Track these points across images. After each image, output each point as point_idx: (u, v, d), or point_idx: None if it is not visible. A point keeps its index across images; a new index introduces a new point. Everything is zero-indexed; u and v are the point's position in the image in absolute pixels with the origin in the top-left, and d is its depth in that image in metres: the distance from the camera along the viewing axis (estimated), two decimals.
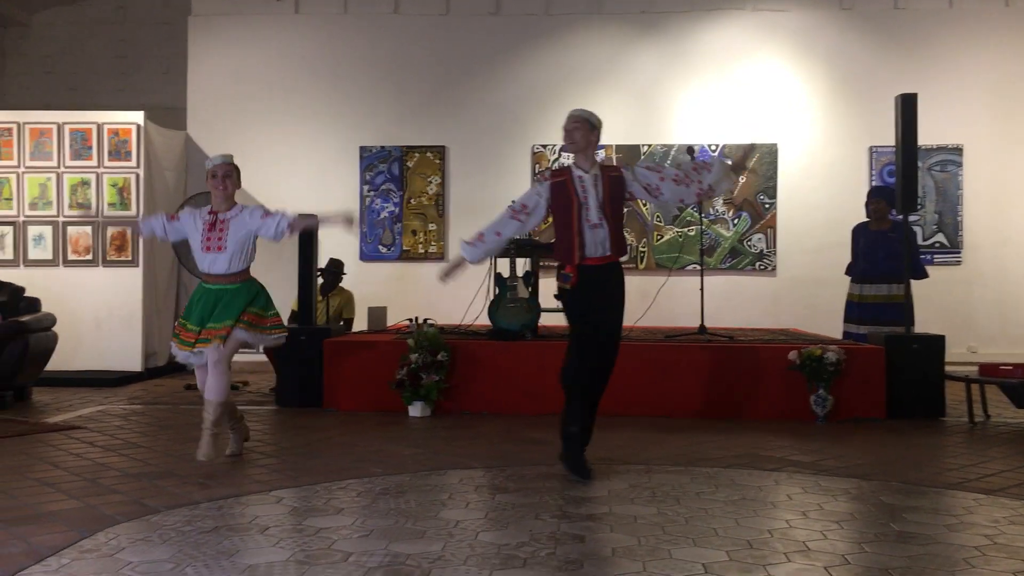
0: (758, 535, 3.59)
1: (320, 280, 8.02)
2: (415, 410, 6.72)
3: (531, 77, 10.22)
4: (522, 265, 7.42)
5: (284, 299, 9.26)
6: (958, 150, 9.78)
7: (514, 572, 3.11)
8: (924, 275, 7.60)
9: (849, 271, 7.85)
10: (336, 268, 8.38)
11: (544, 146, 10.14)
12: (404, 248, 10.30)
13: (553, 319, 7.05)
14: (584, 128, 4.73)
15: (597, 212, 4.67)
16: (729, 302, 9.65)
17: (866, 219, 7.77)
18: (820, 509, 4.04)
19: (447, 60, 10.30)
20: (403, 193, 10.31)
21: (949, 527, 3.73)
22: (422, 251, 10.30)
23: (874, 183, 9.58)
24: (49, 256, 9.16)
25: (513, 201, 4.94)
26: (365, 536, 3.54)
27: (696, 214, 8.69)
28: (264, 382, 8.55)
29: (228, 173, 5.03)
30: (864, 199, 7.91)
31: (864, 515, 3.96)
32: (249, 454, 5.26)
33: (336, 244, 9.45)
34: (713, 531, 3.65)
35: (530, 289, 7.27)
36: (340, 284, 8.41)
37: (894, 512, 3.97)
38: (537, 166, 10.15)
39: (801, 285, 9.77)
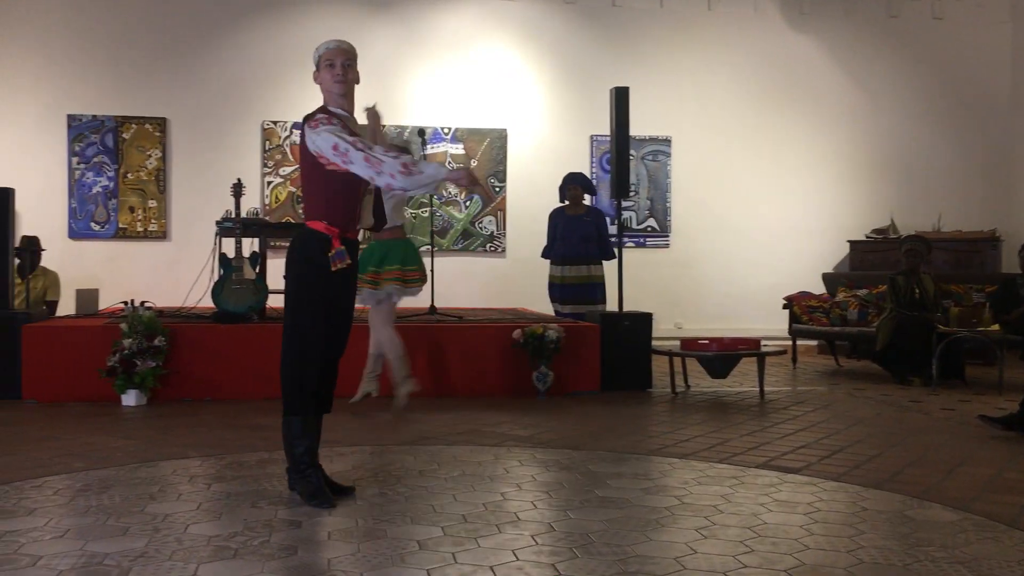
0: (473, 509, 3.71)
1: (17, 261, 7.30)
2: (129, 399, 6.30)
3: (260, 51, 9.86)
4: (248, 245, 7.16)
5: None
6: (667, 141, 10.56)
7: (223, 564, 3.00)
8: (612, 256, 8.07)
9: (545, 254, 8.26)
10: (32, 246, 7.64)
11: (275, 122, 9.83)
12: (120, 226, 9.61)
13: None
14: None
15: None
16: (461, 283, 9.86)
17: (561, 204, 8.19)
18: (533, 480, 4.24)
19: (167, 28, 9.69)
20: (118, 167, 9.61)
21: (645, 490, 4.04)
22: (141, 229, 9.66)
23: (594, 170, 10.15)
24: None
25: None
26: (59, 537, 3.28)
27: (428, 196, 8.81)
28: None
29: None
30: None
31: (572, 483, 4.20)
32: None
33: (35, 221, 8.67)
34: (431, 508, 3.72)
35: (257, 270, 7.03)
36: (41, 264, 7.70)
37: (599, 479, 4.25)
38: (267, 143, 9.81)
39: (529, 266, 10.11)
